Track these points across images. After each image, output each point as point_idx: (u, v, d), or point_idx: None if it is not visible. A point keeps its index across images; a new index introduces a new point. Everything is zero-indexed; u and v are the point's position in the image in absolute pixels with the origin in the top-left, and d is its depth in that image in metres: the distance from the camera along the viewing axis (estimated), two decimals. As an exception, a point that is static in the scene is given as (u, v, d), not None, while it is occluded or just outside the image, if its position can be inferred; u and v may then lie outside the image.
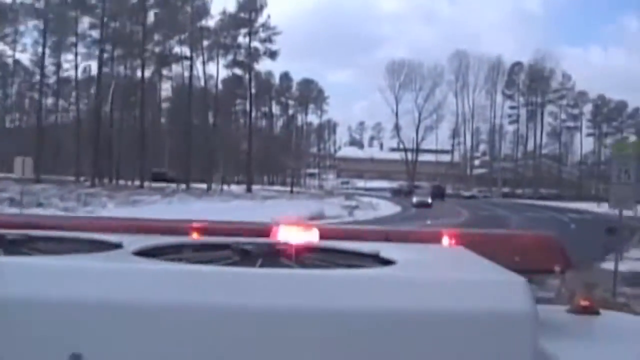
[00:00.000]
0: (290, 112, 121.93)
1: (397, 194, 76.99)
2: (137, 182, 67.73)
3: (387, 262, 1.66)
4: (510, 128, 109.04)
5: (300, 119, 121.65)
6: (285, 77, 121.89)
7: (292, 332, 1.29)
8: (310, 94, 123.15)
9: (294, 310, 1.30)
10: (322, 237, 2.15)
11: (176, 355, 1.30)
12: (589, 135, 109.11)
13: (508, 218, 42.04)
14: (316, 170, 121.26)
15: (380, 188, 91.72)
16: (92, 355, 1.28)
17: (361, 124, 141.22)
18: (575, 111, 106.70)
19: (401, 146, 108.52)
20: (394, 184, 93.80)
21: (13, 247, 1.75)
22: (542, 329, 1.38)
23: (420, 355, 1.32)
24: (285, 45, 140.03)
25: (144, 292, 1.31)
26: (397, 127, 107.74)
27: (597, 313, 1.66)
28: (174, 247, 1.83)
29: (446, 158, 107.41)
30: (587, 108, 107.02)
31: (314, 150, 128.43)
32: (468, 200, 77.32)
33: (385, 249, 1.79)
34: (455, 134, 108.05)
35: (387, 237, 2.28)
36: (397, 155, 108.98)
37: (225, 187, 74.79)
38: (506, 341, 1.32)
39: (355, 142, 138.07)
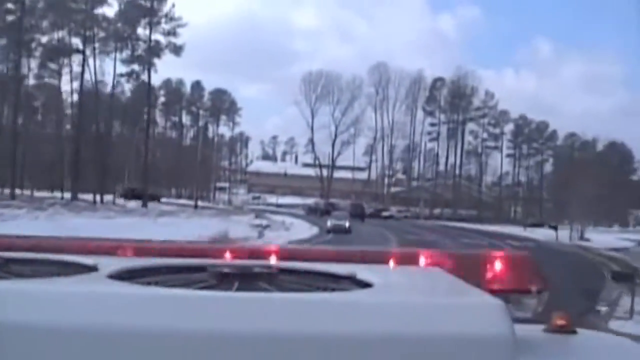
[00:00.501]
0: (201, 123, 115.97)
1: (312, 213, 69.90)
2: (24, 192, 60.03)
3: (364, 285, 1.65)
4: (430, 146, 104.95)
5: (212, 130, 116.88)
6: (197, 86, 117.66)
7: (271, 357, 1.27)
8: (223, 104, 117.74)
9: (272, 335, 1.27)
10: None
11: None
12: (508, 155, 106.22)
13: (444, 245, 35.87)
14: (227, 184, 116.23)
15: (293, 205, 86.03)
16: None
17: (274, 137, 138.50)
18: (497, 130, 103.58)
19: (316, 162, 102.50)
20: (309, 201, 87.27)
21: None
22: (519, 349, 1.36)
23: None
24: (199, 58, 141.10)
25: (118, 317, 1.28)
26: (312, 141, 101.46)
27: (574, 332, 1.61)
28: (149, 269, 1.78)
29: (362, 175, 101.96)
30: (509, 128, 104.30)
31: (226, 163, 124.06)
32: (387, 220, 71.36)
33: (362, 271, 1.77)
34: (372, 150, 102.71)
35: (363, 258, 2.28)
36: (311, 171, 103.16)
37: (123, 200, 67.42)
38: None
39: (268, 157, 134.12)
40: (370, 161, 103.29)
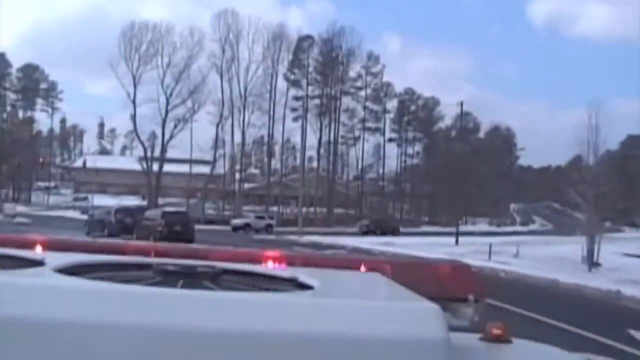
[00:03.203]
0: (9, 107, 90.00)
1: (95, 228, 37.83)
2: None
3: (304, 287, 1.66)
4: (294, 126, 76.65)
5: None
6: (2, 60, 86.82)
7: (209, 354, 1.25)
8: (37, 84, 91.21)
9: (212, 332, 1.26)
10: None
11: None
12: (390, 140, 79.92)
13: None
14: (51, 184, 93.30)
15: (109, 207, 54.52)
16: None
17: (112, 131, 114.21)
18: (379, 107, 76.59)
19: (136, 145, 74.13)
20: (130, 202, 59.06)
21: None
22: (455, 357, 1.35)
23: None
24: (44, 54, 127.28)
25: (63, 310, 1.25)
26: (133, 119, 69.74)
27: (509, 342, 1.59)
28: (96, 265, 1.77)
29: (205, 169, 73.60)
30: (393, 105, 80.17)
31: (58, 159, 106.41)
32: (238, 235, 40.81)
33: (304, 274, 1.80)
34: (219, 129, 72.05)
35: (306, 262, 2.29)
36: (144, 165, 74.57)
37: None
38: None
39: (105, 152, 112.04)
40: (216, 145, 72.75)
